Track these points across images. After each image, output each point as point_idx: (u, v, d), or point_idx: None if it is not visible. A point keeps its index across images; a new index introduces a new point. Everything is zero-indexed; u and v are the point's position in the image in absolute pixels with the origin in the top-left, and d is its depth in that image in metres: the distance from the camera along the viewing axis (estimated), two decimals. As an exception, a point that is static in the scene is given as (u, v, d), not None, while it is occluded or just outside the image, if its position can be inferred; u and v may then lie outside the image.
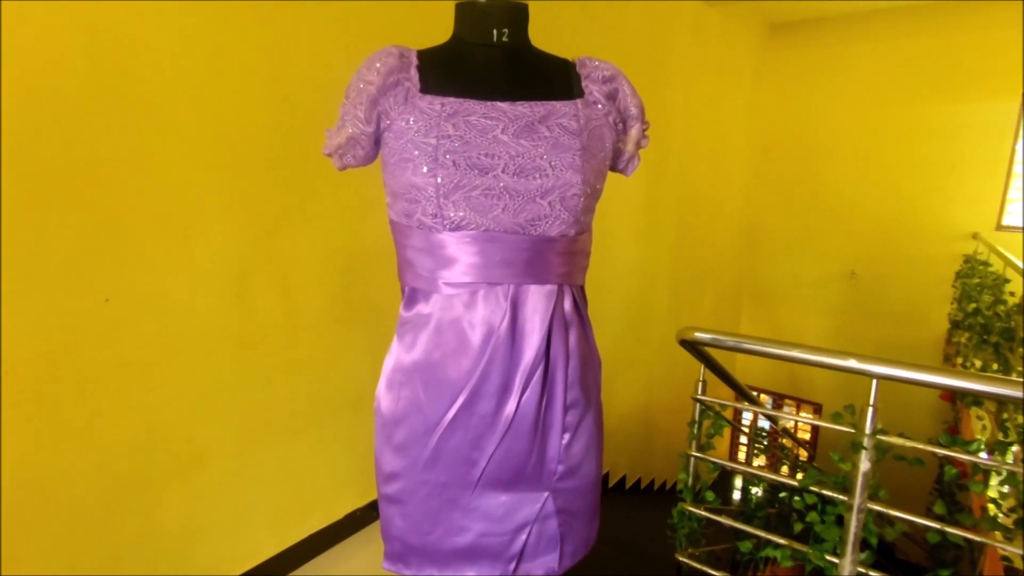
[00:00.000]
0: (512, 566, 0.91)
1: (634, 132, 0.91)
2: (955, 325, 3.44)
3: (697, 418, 1.73)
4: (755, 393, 3.69)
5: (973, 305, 3.07)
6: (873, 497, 1.35)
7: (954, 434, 1.33)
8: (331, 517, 1.89)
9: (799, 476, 1.51)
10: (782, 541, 1.50)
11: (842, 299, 5.17)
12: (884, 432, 1.31)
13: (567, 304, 0.86)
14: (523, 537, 0.90)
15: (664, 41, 2.94)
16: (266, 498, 1.70)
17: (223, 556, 1.61)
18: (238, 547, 1.65)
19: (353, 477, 1.92)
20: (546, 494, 0.90)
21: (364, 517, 1.98)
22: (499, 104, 0.81)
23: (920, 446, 1.33)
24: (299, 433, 1.74)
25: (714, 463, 1.71)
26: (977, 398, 2.14)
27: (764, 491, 2.02)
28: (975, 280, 3.59)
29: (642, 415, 3.48)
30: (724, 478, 2.90)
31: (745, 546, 1.58)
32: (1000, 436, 1.98)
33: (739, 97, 4.55)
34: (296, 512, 1.80)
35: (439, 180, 0.77)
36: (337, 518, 1.91)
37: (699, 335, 1.61)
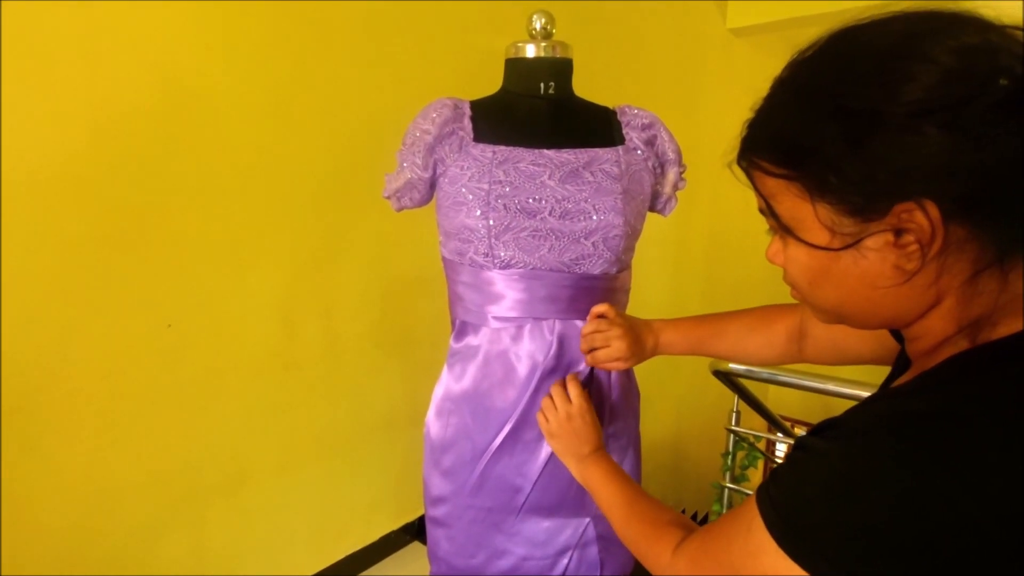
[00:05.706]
0: None
1: (671, 175, 0.96)
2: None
3: (731, 449, 1.73)
4: (789, 424, 3.63)
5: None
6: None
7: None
8: (366, 539, 1.93)
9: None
10: None
11: (878, 328, 5.05)
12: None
13: None
14: (564, 562, 0.93)
15: (695, 76, 3.00)
16: (305, 518, 1.75)
17: (264, 574, 1.67)
18: (278, 566, 1.70)
19: (387, 499, 1.96)
20: (587, 520, 0.93)
21: (398, 540, 2.01)
22: (546, 152, 0.87)
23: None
24: (337, 454, 1.80)
25: (749, 495, 1.70)
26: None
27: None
28: None
29: (673, 444, 3.45)
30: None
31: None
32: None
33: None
34: (333, 532, 1.84)
35: (491, 222, 0.83)
36: (372, 540, 1.94)
37: (732, 365, 1.62)
